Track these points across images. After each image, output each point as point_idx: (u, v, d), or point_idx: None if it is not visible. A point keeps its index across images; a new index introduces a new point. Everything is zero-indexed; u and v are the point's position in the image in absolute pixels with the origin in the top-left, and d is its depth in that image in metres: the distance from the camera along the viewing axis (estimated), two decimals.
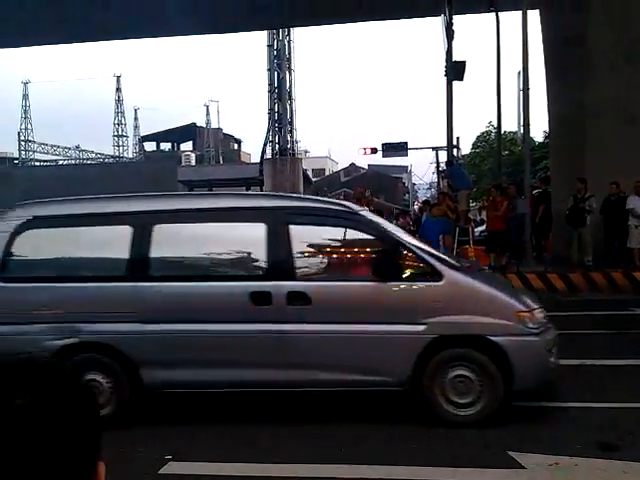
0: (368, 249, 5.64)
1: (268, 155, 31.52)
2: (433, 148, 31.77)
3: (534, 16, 16.37)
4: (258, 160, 33.45)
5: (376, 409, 5.60)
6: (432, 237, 11.83)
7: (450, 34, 16.40)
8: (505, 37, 17.94)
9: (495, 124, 22.86)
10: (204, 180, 45.68)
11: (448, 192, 15.62)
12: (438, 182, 28.01)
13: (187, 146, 68.88)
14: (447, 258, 5.65)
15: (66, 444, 0.78)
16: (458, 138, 26.15)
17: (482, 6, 17.65)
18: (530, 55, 13.58)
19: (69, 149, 64.71)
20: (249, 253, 5.66)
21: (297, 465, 4.49)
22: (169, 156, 61.56)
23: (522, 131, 16.07)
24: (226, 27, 21.87)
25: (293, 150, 31.91)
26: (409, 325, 5.16)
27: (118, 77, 72.51)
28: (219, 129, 68.64)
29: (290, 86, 31.11)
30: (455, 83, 16.33)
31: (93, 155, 64.99)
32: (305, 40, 52.52)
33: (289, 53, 30.82)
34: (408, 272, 5.36)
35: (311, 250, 5.70)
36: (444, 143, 18.61)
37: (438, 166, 31.91)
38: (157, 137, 69.92)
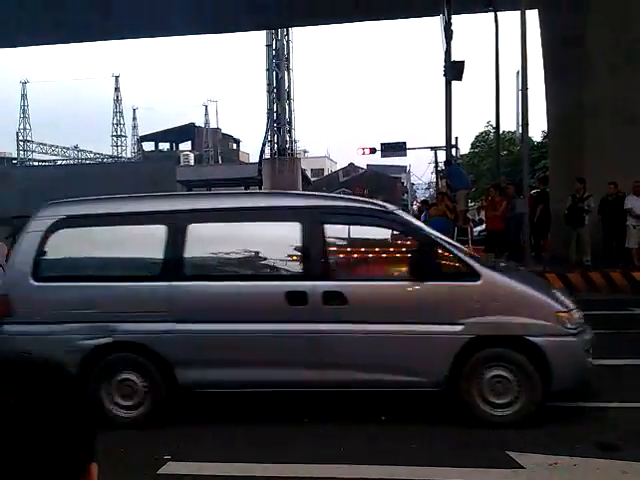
0: (404, 248, 5.59)
1: (267, 155, 31.51)
2: (432, 148, 31.76)
3: (533, 16, 16.38)
4: (257, 160, 33.45)
5: (376, 409, 5.60)
6: None
7: (449, 34, 16.42)
8: (504, 37, 17.95)
9: (494, 124, 22.87)
10: (203, 180, 45.65)
11: (447, 192, 15.64)
12: (437, 182, 27.99)
13: (186, 146, 68.89)
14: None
15: (53, 444, 0.77)
16: (457, 138, 26.16)
17: (480, 6, 17.67)
18: (529, 55, 13.59)
19: (68, 149, 64.70)
20: (284, 252, 5.60)
21: (297, 465, 4.49)
22: (168, 156, 61.55)
23: (521, 131, 16.07)
24: (225, 27, 21.85)
25: (292, 150, 31.90)
26: (446, 325, 5.11)
27: (117, 77, 72.52)
28: (218, 129, 68.65)
29: (289, 86, 31.11)
30: (454, 83, 16.35)
31: (92, 155, 64.98)
32: (304, 40, 52.79)
33: (288, 53, 30.82)
34: (445, 272, 5.32)
35: (346, 249, 5.68)
36: (443, 143, 18.63)
37: (437, 166, 31.90)
38: (156, 137, 69.93)
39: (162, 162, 52.02)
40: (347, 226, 5.71)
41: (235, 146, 71.97)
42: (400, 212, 5.86)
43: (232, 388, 5.45)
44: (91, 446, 0.84)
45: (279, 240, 5.60)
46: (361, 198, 7.22)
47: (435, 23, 19.74)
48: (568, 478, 4.20)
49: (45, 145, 63.80)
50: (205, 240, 5.57)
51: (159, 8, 17.08)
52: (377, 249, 5.78)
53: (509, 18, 18.91)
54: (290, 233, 5.46)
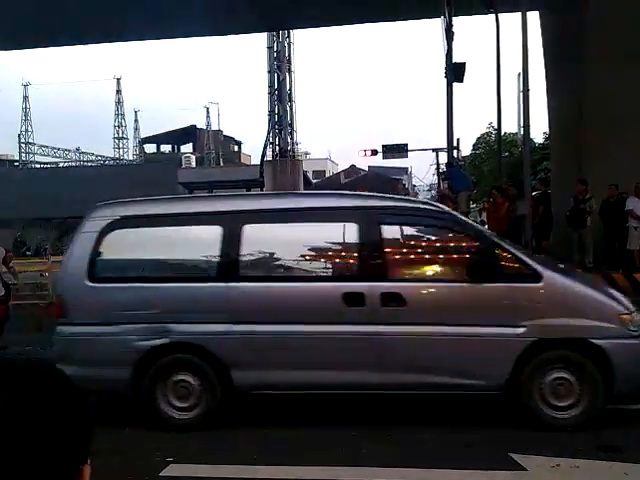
0: (463, 250, 5.51)
1: (269, 157, 31.52)
2: (433, 149, 31.80)
3: (534, 17, 16.40)
4: (259, 162, 33.46)
5: (376, 410, 5.59)
6: None
7: (450, 36, 16.40)
8: (505, 39, 17.97)
9: (495, 125, 22.87)
10: (205, 182, 45.69)
11: (448, 194, 15.62)
12: (438, 184, 27.99)
13: (187, 148, 68.90)
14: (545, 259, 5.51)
15: (44, 445, 0.77)
16: (458, 139, 26.10)
17: (481, 8, 17.66)
18: (530, 56, 13.58)
19: (69, 151, 64.75)
20: (341, 253, 5.59)
21: (299, 467, 4.49)
22: (169, 158, 61.59)
23: (522, 132, 16.07)
24: (227, 29, 21.88)
25: (293, 152, 31.89)
26: (508, 328, 5.05)
27: (118, 79, 72.61)
28: (219, 131, 68.70)
29: (290, 88, 31.11)
30: (455, 85, 16.33)
31: (93, 157, 65.03)
32: (305, 42, 52.59)
33: (289, 55, 30.83)
34: (506, 273, 5.24)
35: (403, 250, 5.62)
36: (444, 144, 18.62)
37: (438, 168, 31.90)
38: (157, 139, 69.95)
39: (164, 164, 52.19)
40: (404, 227, 5.66)
41: (237, 148, 71.99)
42: (457, 213, 5.84)
43: (288, 390, 5.38)
44: (84, 448, 0.83)
45: (336, 241, 5.57)
46: (417, 199, 7.16)
47: (436, 25, 19.76)
48: None
49: (47, 147, 63.88)
50: (261, 241, 5.54)
51: (161, 10, 17.10)
52: (434, 250, 5.68)
53: (510, 20, 18.90)
54: (347, 234, 5.44)
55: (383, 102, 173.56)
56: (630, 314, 5.14)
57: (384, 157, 28.23)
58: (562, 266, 6.03)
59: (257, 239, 5.51)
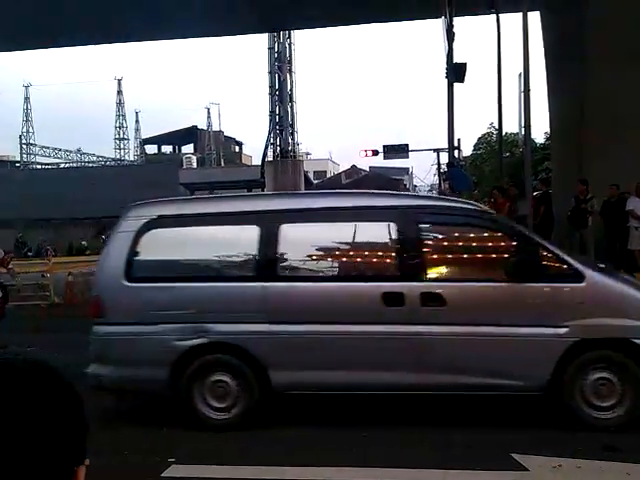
0: (503, 249, 5.46)
1: (270, 157, 31.53)
2: (434, 150, 31.78)
3: (535, 17, 16.39)
4: (260, 162, 33.47)
5: (375, 411, 5.59)
6: None
7: (451, 36, 16.39)
8: (506, 39, 17.91)
9: (496, 125, 22.85)
10: (206, 183, 45.69)
11: (449, 194, 15.60)
12: (439, 184, 28.00)
13: (188, 149, 68.92)
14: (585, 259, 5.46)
15: (36, 445, 0.77)
16: (459, 140, 26.14)
17: (482, 8, 17.65)
18: (531, 57, 13.58)
19: (70, 152, 64.78)
20: (380, 253, 5.56)
21: (301, 468, 4.49)
22: (170, 159, 61.64)
23: (523, 132, 16.06)
24: (228, 30, 21.89)
25: (294, 152, 31.90)
26: (550, 328, 5.02)
27: (119, 80, 72.65)
28: (220, 131, 68.73)
29: (291, 88, 31.12)
30: (456, 85, 16.32)
31: (94, 158, 65.07)
32: (306, 42, 52.50)
33: (290, 55, 30.83)
34: (548, 273, 5.19)
35: (443, 250, 5.58)
36: (445, 145, 18.61)
37: (439, 168, 31.90)
38: (158, 140, 69.97)
39: (165, 165, 52.25)
40: (442, 226, 5.64)
41: (238, 149, 72.00)
42: (493, 212, 5.78)
43: (326, 390, 5.35)
44: (79, 449, 0.83)
45: (374, 240, 5.54)
46: (455, 198, 7.13)
47: (437, 25, 19.75)
48: None
49: (48, 148, 63.90)
50: (299, 240, 5.52)
51: (161, 11, 17.11)
52: (473, 249, 5.63)
53: (511, 20, 18.90)
54: (385, 233, 5.42)
55: (384, 103, 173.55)
56: None
57: (385, 157, 28.20)
58: (602, 266, 5.98)
59: (294, 239, 5.50)
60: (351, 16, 19.89)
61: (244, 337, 5.27)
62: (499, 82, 17.82)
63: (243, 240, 5.55)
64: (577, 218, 13.23)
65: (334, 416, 5.57)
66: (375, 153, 27.89)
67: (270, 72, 31.05)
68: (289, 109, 31.13)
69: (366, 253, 5.55)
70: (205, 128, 68.95)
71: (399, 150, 27.48)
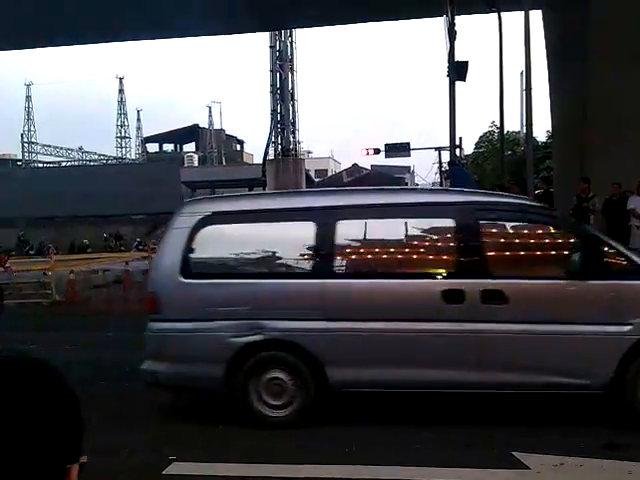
0: (565, 246, 5.39)
1: (271, 156, 31.55)
2: (436, 148, 31.71)
3: (536, 16, 16.36)
4: (261, 161, 33.49)
5: (376, 411, 5.59)
6: None
7: (452, 34, 16.38)
8: (507, 37, 17.94)
9: (498, 124, 22.83)
10: (207, 181, 45.71)
11: None
12: (441, 182, 27.95)
13: (190, 147, 68.99)
14: None
15: (27, 442, 0.76)
16: (461, 138, 26.09)
17: (484, 6, 17.64)
18: (533, 55, 13.57)
19: (72, 151, 64.89)
20: (438, 249, 5.49)
21: (302, 466, 4.48)
22: (172, 157, 61.71)
23: (525, 131, 16.05)
24: (230, 28, 21.88)
25: (296, 151, 31.93)
26: (613, 325, 4.95)
27: (121, 79, 72.72)
28: (222, 130, 68.78)
29: (292, 87, 31.14)
30: (458, 83, 16.30)
31: (96, 157, 65.18)
32: (307, 41, 52.39)
33: (291, 54, 30.86)
34: (611, 270, 5.13)
35: (503, 247, 5.52)
36: (447, 143, 18.59)
37: (441, 166, 31.86)
38: (160, 138, 70.05)
39: (166, 163, 52.28)
40: (502, 223, 5.57)
41: (239, 147, 72.07)
42: (553, 210, 5.72)
43: (384, 388, 5.30)
44: (72, 447, 0.83)
45: (433, 237, 5.49)
46: (515, 195, 7.06)
47: (439, 23, 19.73)
48: (574, 478, 4.19)
49: (49, 147, 64.01)
50: (356, 237, 5.48)
51: (160, 11, 17.11)
52: (534, 246, 5.54)
53: (513, 18, 18.89)
54: (445, 229, 5.38)
55: (386, 101, 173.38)
56: None
57: (387, 156, 28.17)
58: None
59: (352, 235, 5.45)
60: (351, 15, 19.89)
61: (301, 334, 5.22)
62: (501, 80, 17.81)
63: (299, 237, 5.50)
64: (579, 216, 13.20)
65: (335, 416, 5.57)
66: (376, 151, 27.85)
67: (271, 70, 31.07)
68: (290, 107, 31.15)
69: (425, 249, 5.48)
70: (206, 126, 69.03)
71: (400, 148, 27.44)
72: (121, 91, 72.82)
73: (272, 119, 31.13)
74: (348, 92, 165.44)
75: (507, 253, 5.53)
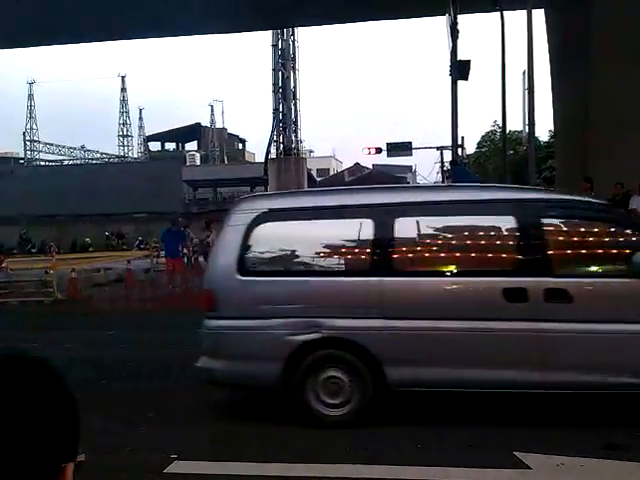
0: (629, 245, 5.30)
1: (273, 155, 31.56)
2: (438, 148, 31.72)
3: (539, 15, 16.35)
4: (263, 160, 33.51)
5: (376, 411, 5.59)
6: None
7: (455, 33, 16.38)
8: (510, 36, 17.89)
9: (500, 123, 22.82)
10: (209, 180, 45.77)
11: None
12: (443, 182, 27.95)
13: (192, 146, 69.05)
14: None
15: (21, 440, 0.76)
16: (463, 137, 26.11)
17: (487, 5, 17.63)
18: (535, 54, 13.56)
19: (74, 149, 64.96)
20: (500, 247, 5.41)
21: (303, 465, 4.49)
22: (174, 156, 61.78)
23: (527, 130, 16.04)
24: (233, 27, 21.89)
25: (297, 150, 31.92)
26: None
27: (123, 77, 72.77)
28: (224, 129, 68.85)
29: (294, 86, 31.14)
30: (460, 82, 16.30)
31: (98, 155, 65.25)
32: (310, 40, 52.35)
33: (293, 53, 30.85)
34: None
35: (566, 245, 5.44)
36: (449, 142, 18.59)
37: (442, 166, 31.86)
38: (162, 137, 70.12)
39: (168, 162, 52.36)
40: (565, 220, 5.50)
41: (241, 146, 72.11)
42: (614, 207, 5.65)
43: (444, 388, 5.24)
44: (69, 446, 0.83)
45: (494, 234, 5.42)
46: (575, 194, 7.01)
47: (441, 23, 19.70)
48: (574, 478, 4.19)
49: (52, 145, 64.06)
50: (415, 234, 5.42)
51: (162, 9, 17.11)
52: (598, 245, 5.43)
53: (515, 17, 18.87)
54: (505, 227, 5.32)
55: (388, 100, 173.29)
56: None
57: (388, 155, 28.19)
58: None
59: (410, 232, 5.40)
60: (353, 14, 19.90)
61: (359, 332, 5.17)
62: (503, 80, 17.79)
63: (357, 234, 5.43)
64: None
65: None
66: (378, 151, 27.86)
67: (274, 69, 31.07)
68: (292, 106, 31.15)
69: (486, 247, 5.40)
70: (208, 125, 69.08)
71: (402, 148, 27.47)
72: (123, 89, 72.91)
73: (274, 118, 31.13)
74: (350, 91, 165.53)
75: (571, 251, 5.44)
